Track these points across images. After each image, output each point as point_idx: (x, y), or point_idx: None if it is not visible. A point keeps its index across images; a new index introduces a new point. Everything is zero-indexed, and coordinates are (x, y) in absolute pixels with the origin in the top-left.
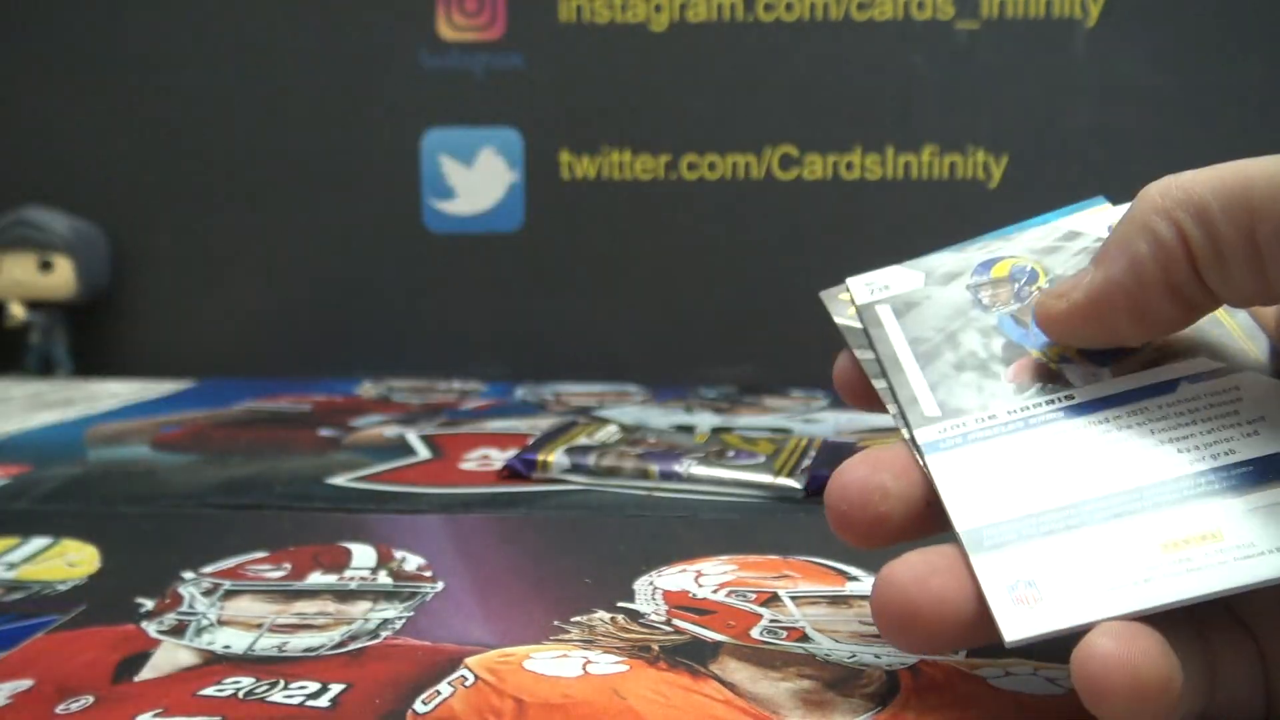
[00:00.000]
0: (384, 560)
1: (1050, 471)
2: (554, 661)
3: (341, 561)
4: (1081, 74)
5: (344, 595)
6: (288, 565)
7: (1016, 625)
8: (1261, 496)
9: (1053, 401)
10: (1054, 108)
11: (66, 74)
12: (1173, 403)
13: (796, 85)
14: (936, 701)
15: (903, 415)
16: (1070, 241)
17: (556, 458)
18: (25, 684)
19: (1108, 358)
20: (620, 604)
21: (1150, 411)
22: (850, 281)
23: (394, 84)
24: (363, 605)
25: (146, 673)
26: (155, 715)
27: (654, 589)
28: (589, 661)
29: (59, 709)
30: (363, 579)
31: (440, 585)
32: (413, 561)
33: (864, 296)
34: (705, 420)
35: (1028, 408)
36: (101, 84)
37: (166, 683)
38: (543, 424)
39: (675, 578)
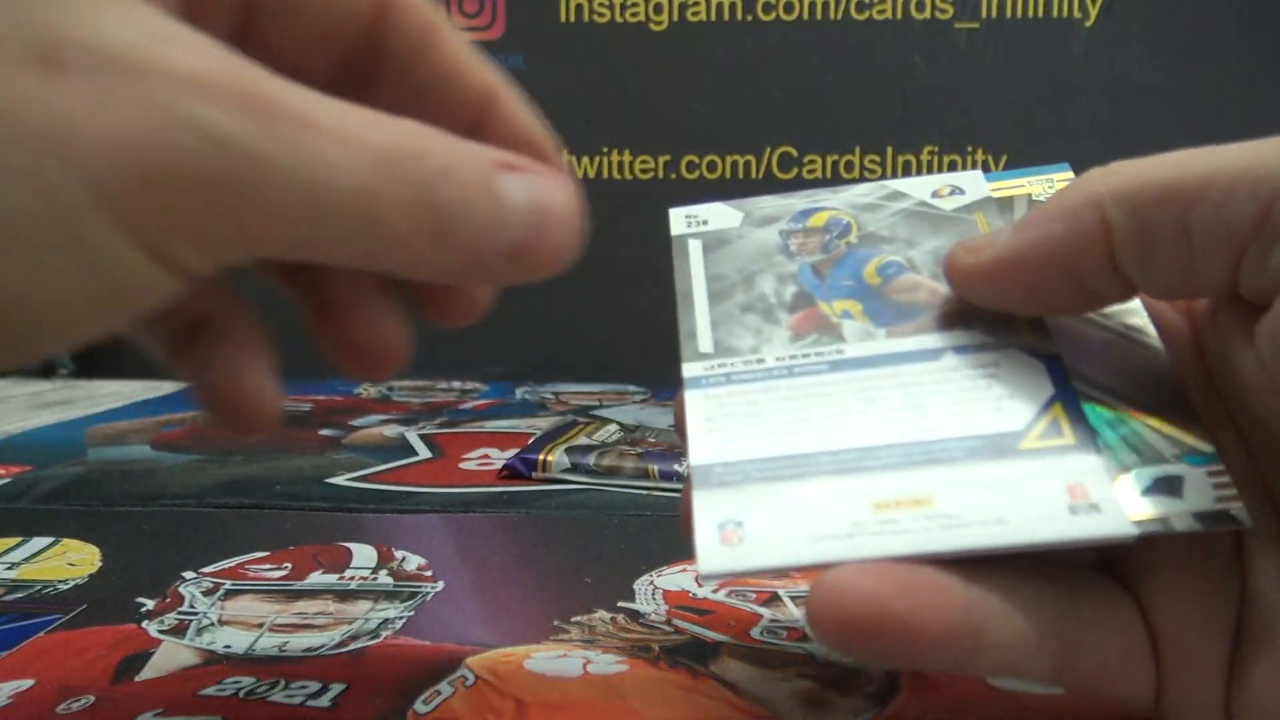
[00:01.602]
0: (384, 560)
1: (795, 420)
2: (554, 661)
3: (342, 561)
4: (1081, 74)
5: (344, 595)
6: (288, 565)
7: (712, 559)
8: (980, 471)
9: (822, 354)
10: (1054, 108)
11: None
12: (932, 370)
13: (796, 85)
14: (936, 701)
15: (679, 348)
16: (892, 201)
17: (556, 457)
18: (26, 684)
19: (890, 319)
20: (620, 604)
21: (908, 376)
22: (672, 212)
23: None
24: (363, 605)
25: (147, 672)
26: (156, 715)
27: (654, 589)
28: (589, 661)
29: (59, 709)
30: (363, 579)
31: (440, 585)
32: (413, 561)
33: (679, 228)
34: None
35: (796, 356)
36: None
37: (167, 682)
38: (543, 424)
39: (675, 578)
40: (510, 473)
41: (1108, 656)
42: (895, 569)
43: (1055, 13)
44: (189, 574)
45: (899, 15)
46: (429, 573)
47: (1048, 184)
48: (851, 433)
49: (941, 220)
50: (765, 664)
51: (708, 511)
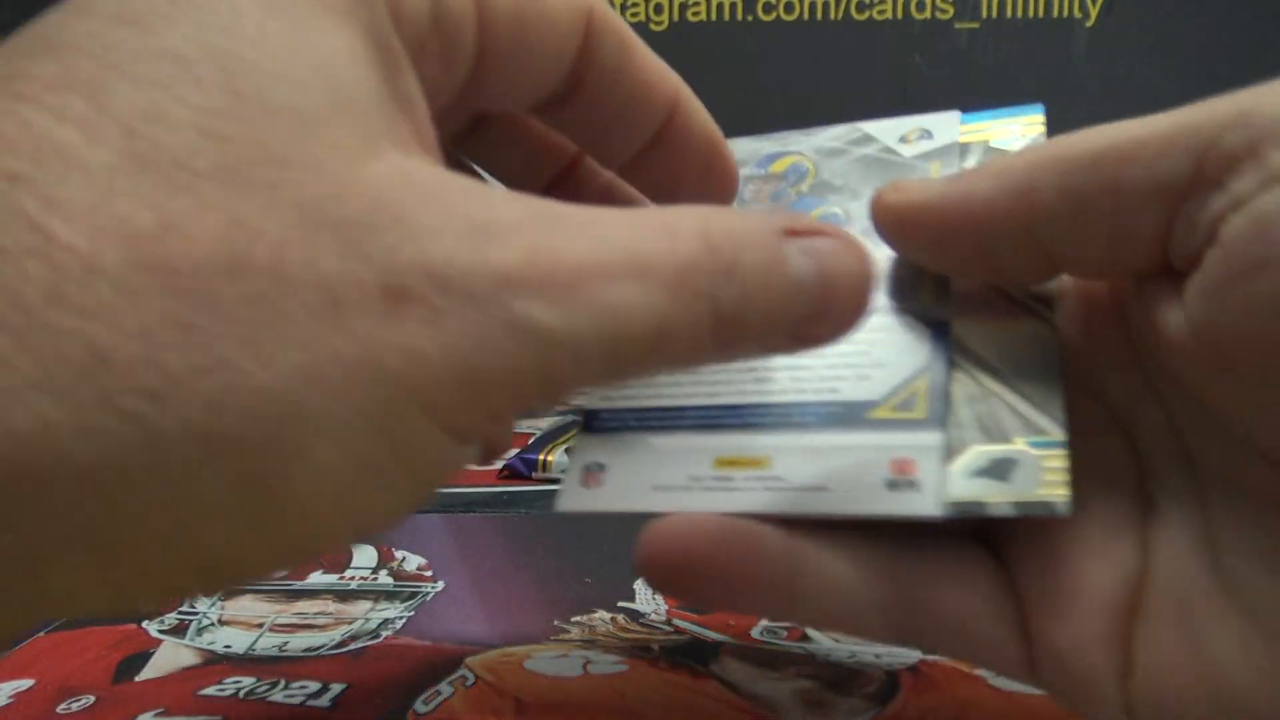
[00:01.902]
0: (384, 560)
1: (680, 374)
2: (554, 661)
3: (342, 561)
4: (1081, 74)
5: (344, 595)
6: None
7: (569, 500)
8: (820, 438)
9: None
10: (1054, 108)
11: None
12: None
13: (796, 85)
14: (936, 701)
15: None
16: (857, 146)
17: (556, 457)
18: (26, 683)
19: None
20: (620, 604)
21: None
22: None
23: None
24: (363, 605)
25: (147, 672)
26: (156, 715)
27: (654, 589)
28: (589, 661)
29: (60, 708)
30: (363, 579)
31: (440, 585)
32: (413, 561)
33: None
34: None
35: None
36: None
37: (167, 682)
38: (543, 424)
39: None
40: (510, 473)
41: (950, 616)
42: (716, 520)
43: (1055, 13)
44: None
45: (899, 15)
46: (429, 573)
47: (1014, 127)
48: (726, 389)
49: (895, 168)
50: (765, 664)
51: (579, 454)
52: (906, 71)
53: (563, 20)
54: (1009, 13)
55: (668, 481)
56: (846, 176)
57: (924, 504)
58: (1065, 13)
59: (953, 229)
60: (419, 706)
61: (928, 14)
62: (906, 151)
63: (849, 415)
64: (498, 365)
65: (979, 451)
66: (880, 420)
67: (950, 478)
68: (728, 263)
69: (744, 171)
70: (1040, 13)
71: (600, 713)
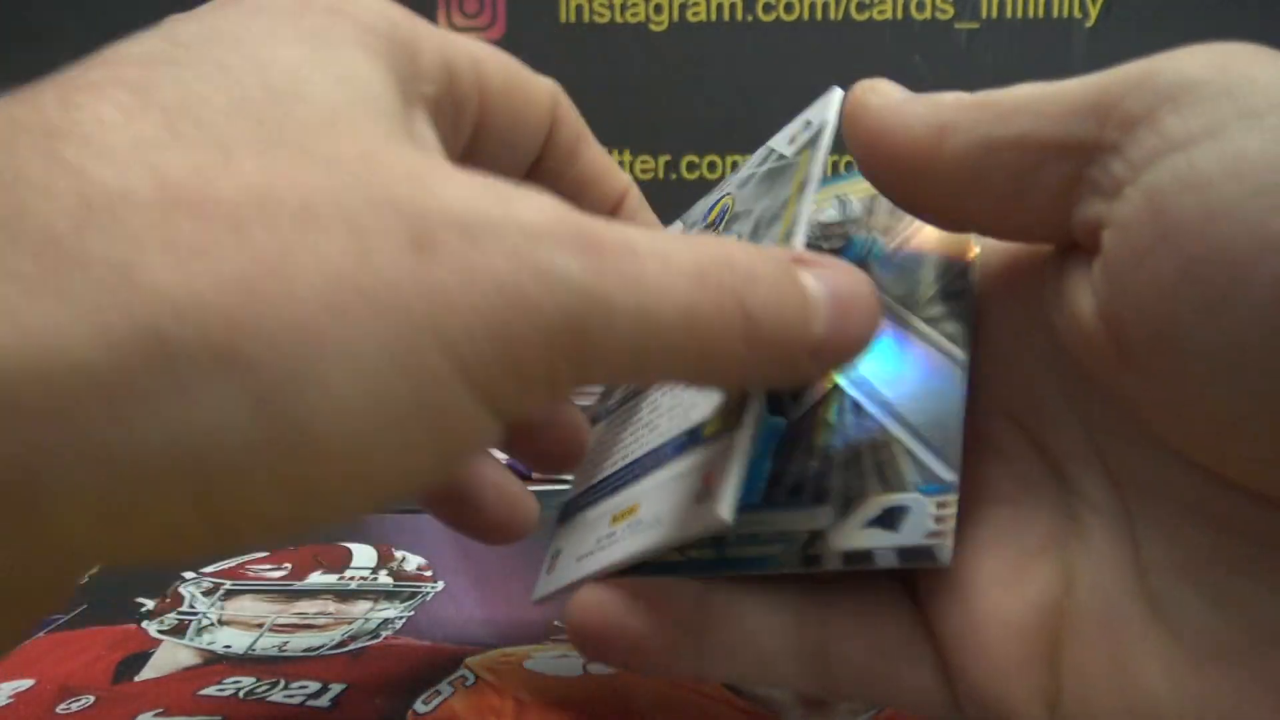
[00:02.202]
0: (384, 560)
1: (610, 447)
2: (554, 661)
3: (342, 561)
4: (1081, 74)
5: (344, 595)
6: (288, 565)
7: (540, 588)
8: (667, 470)
9: None
10: None
11: (65, 63)
12: None
13: (796, 85)
14: None
15: None
16: (763, 164)
17: None
18: (26, 683)
19: None
20: None
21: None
22: None
23: None
24: (363, 605)
25: (147, 672)
26: (155, 715)
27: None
28: (589, 661)
29: (59, 708)
30: (363, 579)
31: (440, 585)
32: (413, 561)
33: None
34: None
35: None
36: None
37: (167, 682)
38: None
39: None
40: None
41: (863, 661)
42: (632, 583)
43: (1055, 13)
44: (189, 574)
45: (899, 15)
46: (429, 573)
47: None
48: (633, 449)
49: (781, 173)
50: None
51: (550, 544)
52: (906, 71)
53: (541, 98)
54: (1009, 13)
55: (583, 550)
56: (748, 201)
57: (712, 513)
58: (1065, 13)
59: (877, 148)
60: (419, 706)
61: (928, 14)
62: (790, 151)
63: (692, 440)
64: (525, 317)
65: (876, 501)
66: (709, 437)
67: (845, 528)
68: (751, 268)
69: (693, 229)
70: (1040, 13)
71: (600, 713)
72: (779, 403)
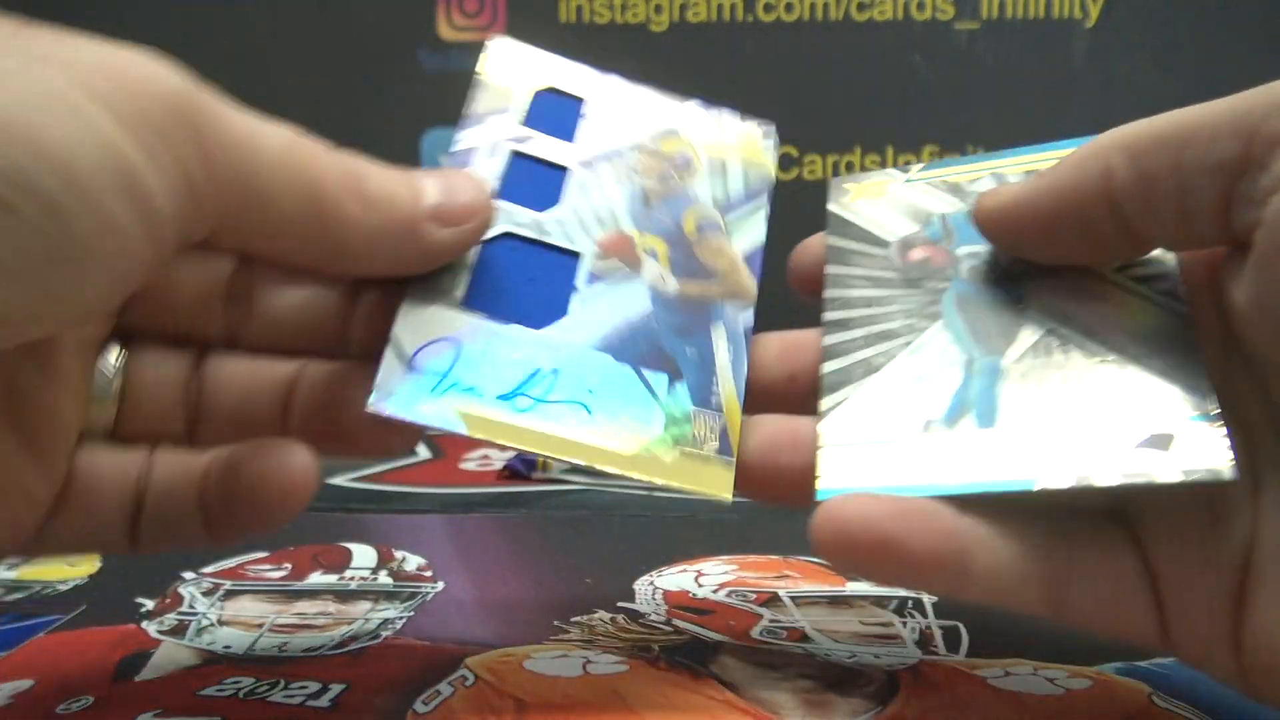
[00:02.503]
0: (384, 560)
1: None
2: (554, 661)
3: (342, 561)
4: (1081, 74)
5: (344, 595)
6: (288, 565)
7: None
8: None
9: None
10: (1054, 108)
11: None
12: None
13: (796, 85)
14: (936, 701)
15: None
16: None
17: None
18: (26, 684)
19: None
20: (620, 604)
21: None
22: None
23: (394, 84)
24: (363, 605)
25: (147, 673)
26: (155, 715)
27: (654, 589)
28: (589, 661)
29: (59, 709)
30: (363, 579)
31: (440, 585)
32: (413, 561)
33: None
34: None
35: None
36: None
37: (167, 682)
38: None
39: (675, 578)
40: (510, 473)
41: (1099, 590)
42: (895, 500)
43: (1055, 13)
44: (189, 574)
45: (899, 15)
46: (429, 573)
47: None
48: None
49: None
50: (765, 664)
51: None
52: (906, 71)
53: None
54: (1009, 13)
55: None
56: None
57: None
58: (1065, 13)
59: (1051, 220)
60: (419, 707)
61: (928, 14)
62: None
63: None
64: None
65: (1140, 427)
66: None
67: (1117, 452)
68: (361, 165)
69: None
70: (1040, 13)
71: (600, 713)
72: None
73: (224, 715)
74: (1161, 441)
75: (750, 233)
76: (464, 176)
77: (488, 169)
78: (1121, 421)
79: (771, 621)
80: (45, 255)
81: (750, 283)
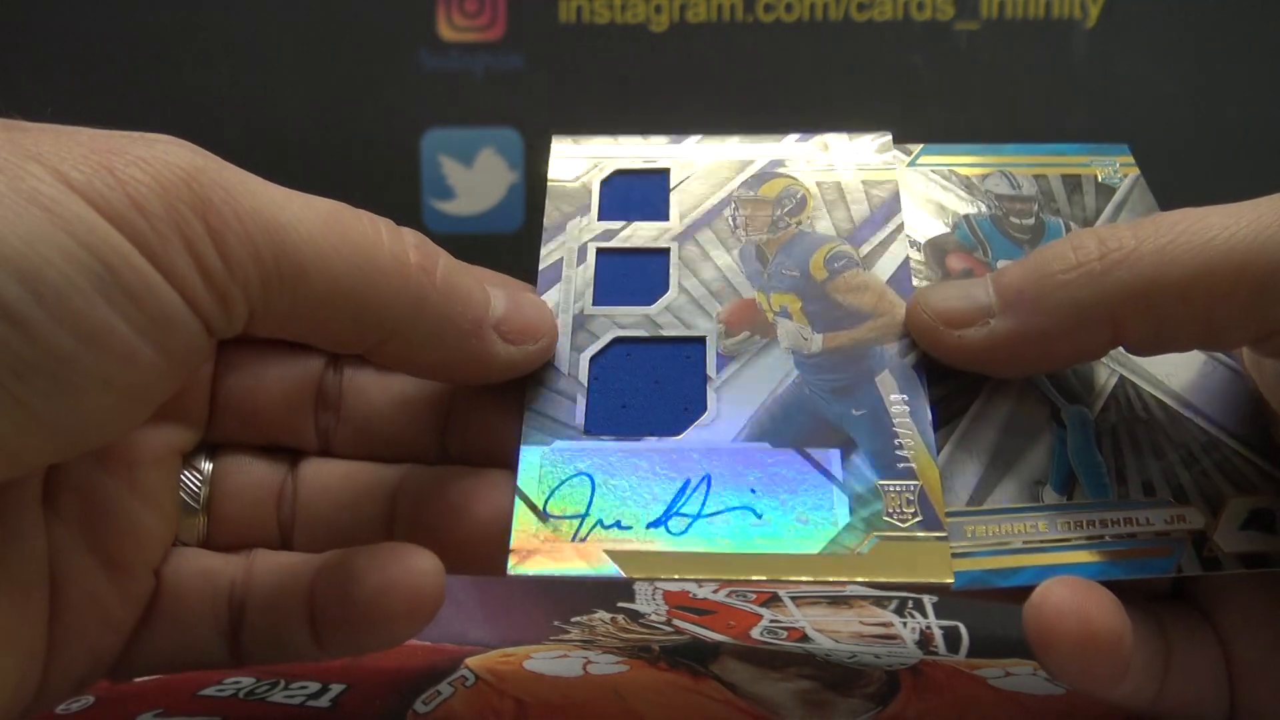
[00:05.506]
0: None
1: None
2: (554, 661)
3: None
4: (1081, 74)
5: None
6: None
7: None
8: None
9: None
10: (1054, 108)
11: (63, 69)
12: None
13: (796, 85)
14: (936, 701)
15: None
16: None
17: None
18: None
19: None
20: (620, 604)
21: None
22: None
23: (394, 84)
24: None
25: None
26: (155, 715)
27: (654, 589)
28: (589, 661)
29: (60, 708)
30: None
31: None
32: None
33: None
34: None
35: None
36: (96, 82)
37: (167, 682)
38: None
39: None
40: None
41: (1198, 679)
42: (1090, 585)
43: (1055, 13)
44: None
45: (899, 15)
46: None
47: (1111, 167)
48: None
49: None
50: (765, 664)
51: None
52: (906, 71)
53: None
54: (1009, 13)
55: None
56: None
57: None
58: (1065, 13)
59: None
60: (419, 706)
61: (928, 14)
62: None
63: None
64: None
65: (1239, 504)
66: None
67: (1222, 531)
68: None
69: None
70: (1040, 13)
71: (600, 713)
72: (1068, 392)
73: (224, 715)
74: (1262, 520)
75: (891, 256)
76: (529, 291)
77: (580, 278)
78: (1213, 494)
79: (771, 621)
80: (13, 372)
81: (904, 311)
